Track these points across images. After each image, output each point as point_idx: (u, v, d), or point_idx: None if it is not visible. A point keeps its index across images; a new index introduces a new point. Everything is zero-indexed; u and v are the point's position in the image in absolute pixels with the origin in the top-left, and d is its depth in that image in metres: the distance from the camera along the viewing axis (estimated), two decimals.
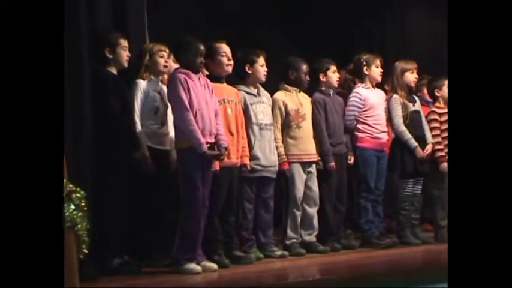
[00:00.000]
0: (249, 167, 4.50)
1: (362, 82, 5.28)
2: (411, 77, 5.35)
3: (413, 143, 5.22)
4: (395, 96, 5.29)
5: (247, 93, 4.66)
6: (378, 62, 5.27)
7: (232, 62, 4.42)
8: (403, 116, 5.24)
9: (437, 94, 5.48)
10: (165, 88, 4.32)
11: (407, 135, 5.23)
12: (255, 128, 4.62)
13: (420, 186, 5.35)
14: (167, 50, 4.37)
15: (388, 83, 5.39)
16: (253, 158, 4.56)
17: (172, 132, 4.29)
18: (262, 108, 4.69)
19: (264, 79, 4.73)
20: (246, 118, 4.59)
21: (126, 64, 4.15)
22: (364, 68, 5.25)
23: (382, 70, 5.29)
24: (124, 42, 4.13)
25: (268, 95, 4.82)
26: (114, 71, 4.12)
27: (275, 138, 4.75)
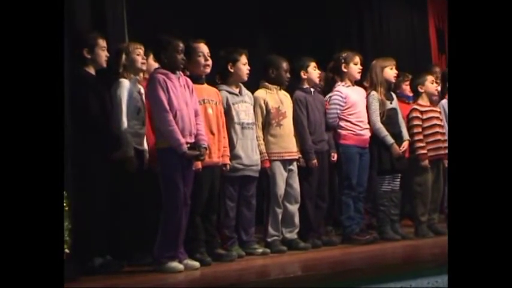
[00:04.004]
0: (229, 167, 4.51)
1: (341, 80, 5.31)
2: (391, 73, 5.39)
3: (390, 139, 5.26)
4: (373, 93, 5.33)
5: (229, 92, 4.66)
6: (356, 59, 5.29)
7: (210, 63, 4.42)
8: (380, 113, 5.28)
9: (420, 90, 5.52)
10: (142, 88, 4.34)
11: (384, 132, 5.27)
12: (237, 127, 4.63)
13: (398, 182, 5.40)
14: (143, 48, 4.38)
15: (367, 80, 5.43)
16: (235, 157, 4.57)
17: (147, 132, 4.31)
18: (244, 107, 4.70)
19: (246, 78, 4.74)
20: (228, 118, 4.59)
21: (104, 64, 4.16)
22: (343, 65, 5.27)
23: (361, 67, 5.31)
24: (102, 43, 4.14)
25: (250, 94, 4.82)
26: (92, 71, 4.13)
27: (256, 137, 4.76)
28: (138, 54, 4.35)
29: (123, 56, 4.32)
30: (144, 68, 4.41)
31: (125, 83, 4.26)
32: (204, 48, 4.39)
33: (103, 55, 4.14)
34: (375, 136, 5.28)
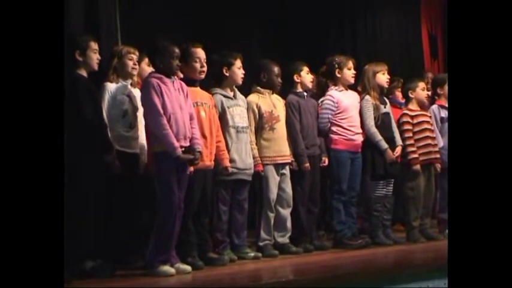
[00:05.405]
0: (229, 170, 4.51)
1: (335, 85, 5.32)
2: (383, 78, 5.40)
3: (384, 144, 5.27)
4: (367, 97, 5.33)
5: (224, 96, 4.67)
6: (350, 64, 5.30)
7: (205, 68, 4.41)
8: (374, 118, 5.28)
9: (410, 95, 5.56)
10: (135, 91, 4.33)
11: (378, 137, 5.27)
12: (232, 131, 4.63)
13: (391, 187, 5.42)
14: (137, 53, 4.39)
15: (360, 85, 5.44)
16: (229, 160, 4.56)
17: (142, 136, 4.30)
18: (239, 111, 4.70)
19: (241, 82, 4.74)
20: (223, 121, 4.60)
21: (96, 67, 4.16)
22: (337, 70, 5.28)
23: (355, 72, 5.33)
24: (94, 45, 4.14)
25: (243, 97, 4.83)
26: (84, 73, 4.13)
27: (250, 141, 4.77)
28: (130, 59, 4.35)
29: (115, 60, 4.33)
30: (135, 73, 4.40)
31: (108, 87, 4.26)
32: (201, 53, 4.38)
33: (95, 58, 4.14)
34: (369, 141, 5.29)
